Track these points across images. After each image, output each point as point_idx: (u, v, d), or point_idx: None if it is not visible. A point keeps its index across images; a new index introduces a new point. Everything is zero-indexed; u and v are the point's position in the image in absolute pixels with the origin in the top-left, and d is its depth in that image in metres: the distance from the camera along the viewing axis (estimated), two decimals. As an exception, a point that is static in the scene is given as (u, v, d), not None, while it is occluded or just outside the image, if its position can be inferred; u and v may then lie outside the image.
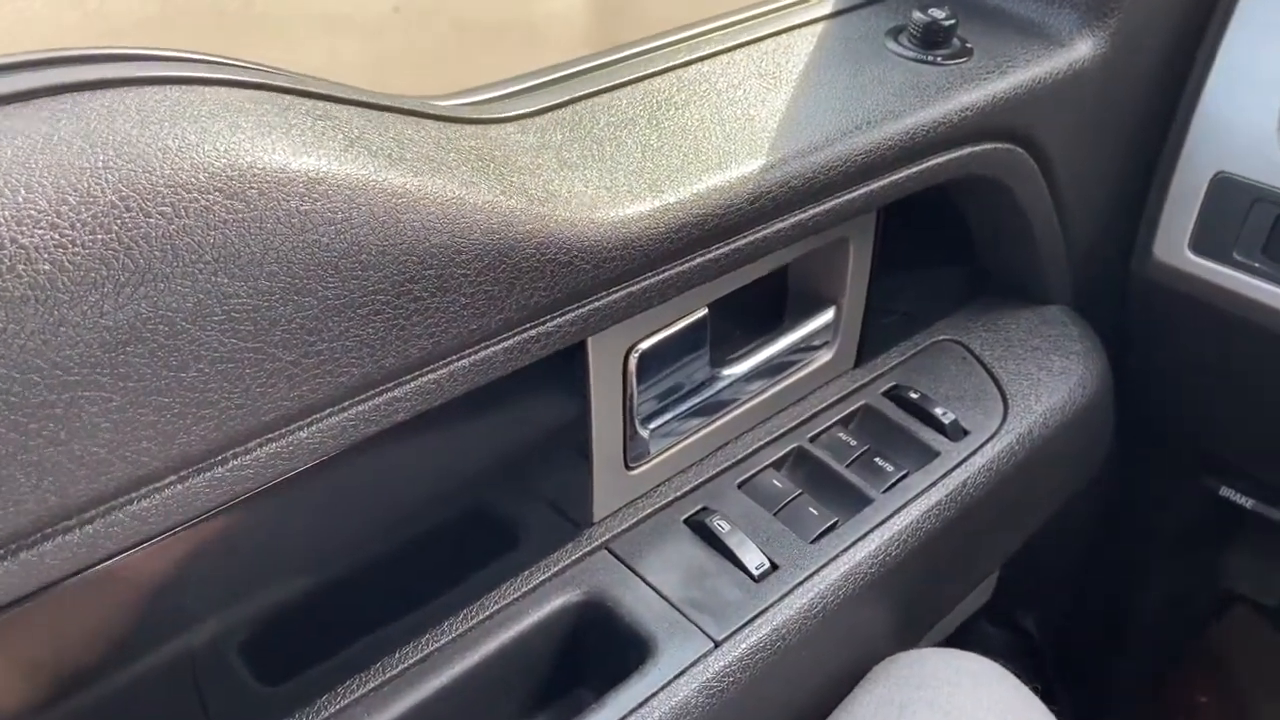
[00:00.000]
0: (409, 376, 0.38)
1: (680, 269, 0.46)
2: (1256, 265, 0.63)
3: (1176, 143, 0.64)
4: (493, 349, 0.41)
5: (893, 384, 0.64)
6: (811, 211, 0.51)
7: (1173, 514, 0.89)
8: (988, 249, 0.68)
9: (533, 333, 0.42)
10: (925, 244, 0.70)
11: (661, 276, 0.45)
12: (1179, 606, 0.96)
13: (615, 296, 0.44)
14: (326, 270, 0.34)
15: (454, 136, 0.43)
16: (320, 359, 0.35)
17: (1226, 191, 0.63)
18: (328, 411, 0.36)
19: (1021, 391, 0.64)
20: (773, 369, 0.61)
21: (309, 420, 0.36)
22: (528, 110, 0.48)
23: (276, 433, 0.35)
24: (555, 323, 0.42)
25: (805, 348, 0.62)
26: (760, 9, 0.60)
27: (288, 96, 0.37)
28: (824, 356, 0.63)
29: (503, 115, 0.47)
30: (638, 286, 0.44)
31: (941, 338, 0.68)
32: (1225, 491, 0.81)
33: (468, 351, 0.40)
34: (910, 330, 0.68)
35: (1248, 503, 0.80)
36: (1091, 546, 0.92)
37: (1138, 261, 0.68)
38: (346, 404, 0.37)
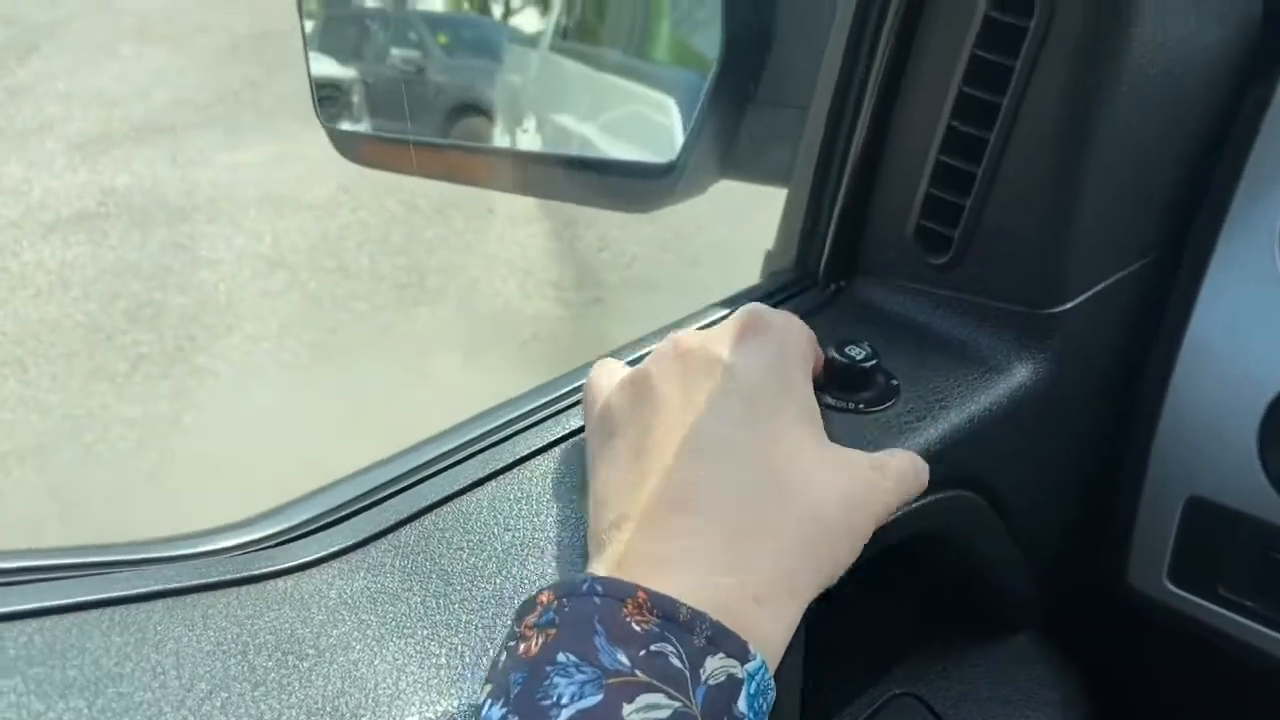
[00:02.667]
0: None
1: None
2: (1248, 605, 0.54)
3: (1140, 462, 0.57)
4: None
5: (841, 764, 0.54)
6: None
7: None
8: (943, 593, 0.60)
9: None
10: (869, 591, 0.61)
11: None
12: None
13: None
14: None
15: (249, 613, 0.34)
16: None
17: (1204, 518, 0.55)
18: None
19: (994, 762, 0.54)
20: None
21: None
22: (351, 541, 0.39)
23: None
24: None
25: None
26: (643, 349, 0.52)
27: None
28: (757, 740, 0.53)
29: (319, 554, 0.38)
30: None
31: (898, 691, 0.58)
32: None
33: None
34: (861, 684, 0.58)
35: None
36: None
37: (1113, 591, 0.59)
38: None
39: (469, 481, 0.42)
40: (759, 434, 0.38)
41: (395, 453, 0.44)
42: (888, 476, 0.42)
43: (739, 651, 0.32)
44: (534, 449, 0.45)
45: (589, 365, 0.51)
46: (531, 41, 0.83)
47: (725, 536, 0.35)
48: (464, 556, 0.39)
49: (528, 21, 0.83)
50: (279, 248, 3.87)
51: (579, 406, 0.48)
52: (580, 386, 0.49)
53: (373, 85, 0.83)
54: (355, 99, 0.83)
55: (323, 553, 0.38)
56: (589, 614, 0.31)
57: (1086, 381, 0.55)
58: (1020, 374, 0.53)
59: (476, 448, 0.45)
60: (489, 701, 0.30)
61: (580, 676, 0.29)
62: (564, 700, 0.29)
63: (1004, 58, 0.48)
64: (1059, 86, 0.48)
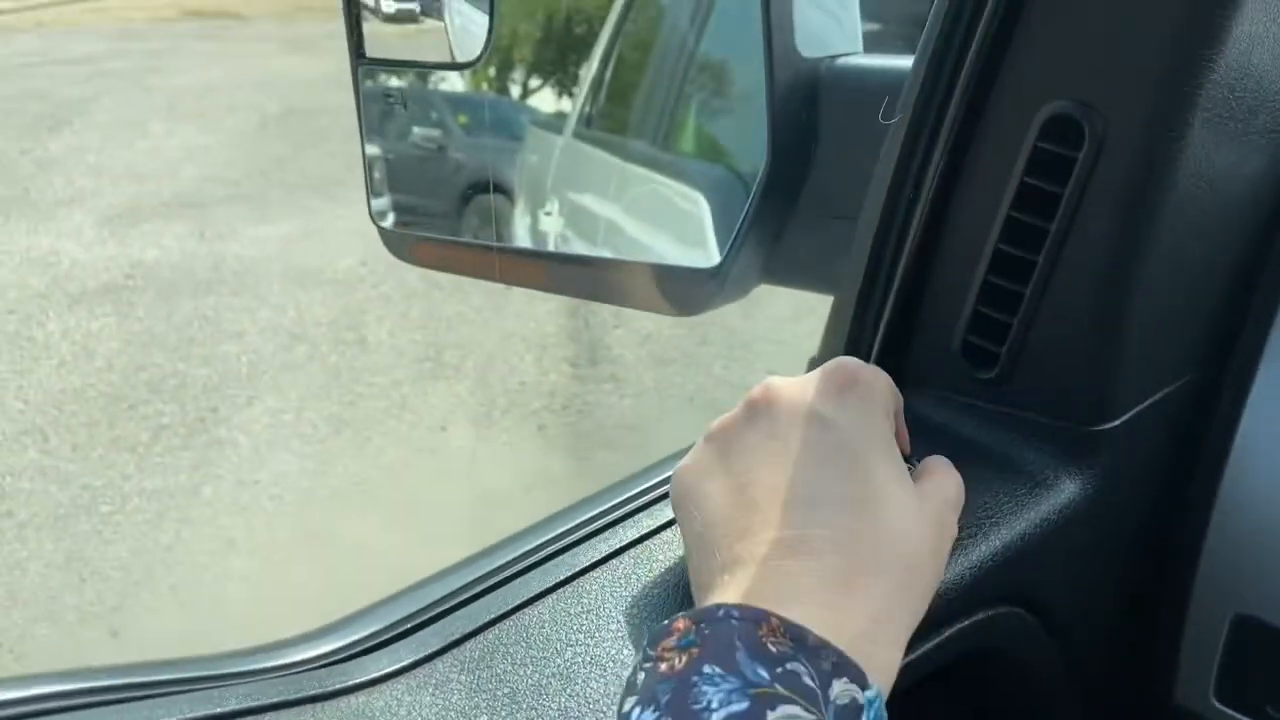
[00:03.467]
0: None
1: None
2: (1300, 728, 0.54)
3: (1187, 579, 0.57)
4: None
5: None
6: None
7: None
8: (991, 712, 0.59)
9: None
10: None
11: None
12: None
13: None
14: None
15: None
16: None
17: (1251, 636, 0.55)
18: None
19: None
20: None
21: None
22: (417, 657, 0.39)
23: None
24: None
25: None
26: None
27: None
28: None
29: (386, 670, 0.38)
30: None
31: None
32: None
33: None
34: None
35: None
36: None
37: (1159, 706, 0.59)
38: None
39: (530, 595, 0.43)
40: (859, 484, 0.41)
41: (455, 564, 0.45)
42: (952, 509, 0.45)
43: (859, 679, 0.35)
44: (592, 561, 0.45)
45: (634, 478, 0.52)
46: (551, 124, 0.85)
47: (835, 581, 0.38)
48: (528, 673, 0.39)
49: (545, 102, 0.85)
50: (301, 321, 3.92)
51: (632, 519, 0.48)
52: (631, 499, 0.50)
53: (393, 161, 0.85)
54: (376, 175, 0.86)
55: (390, 668, 0.38)
56: (729, 634, 0.34)
57: (1134, 498, 0.56)
58: (1069, 490, 0.53)
59: (535, 559, 0.46)
60: (638, 709, 0.32)
61: (726, 685, 0.32)
62: (714, 705, 0.31)
63: (1053, 185, 0.50)
64: (1107, 214, 0.49)
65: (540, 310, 3.94)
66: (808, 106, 0.65)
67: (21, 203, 5.24)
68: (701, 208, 0.74)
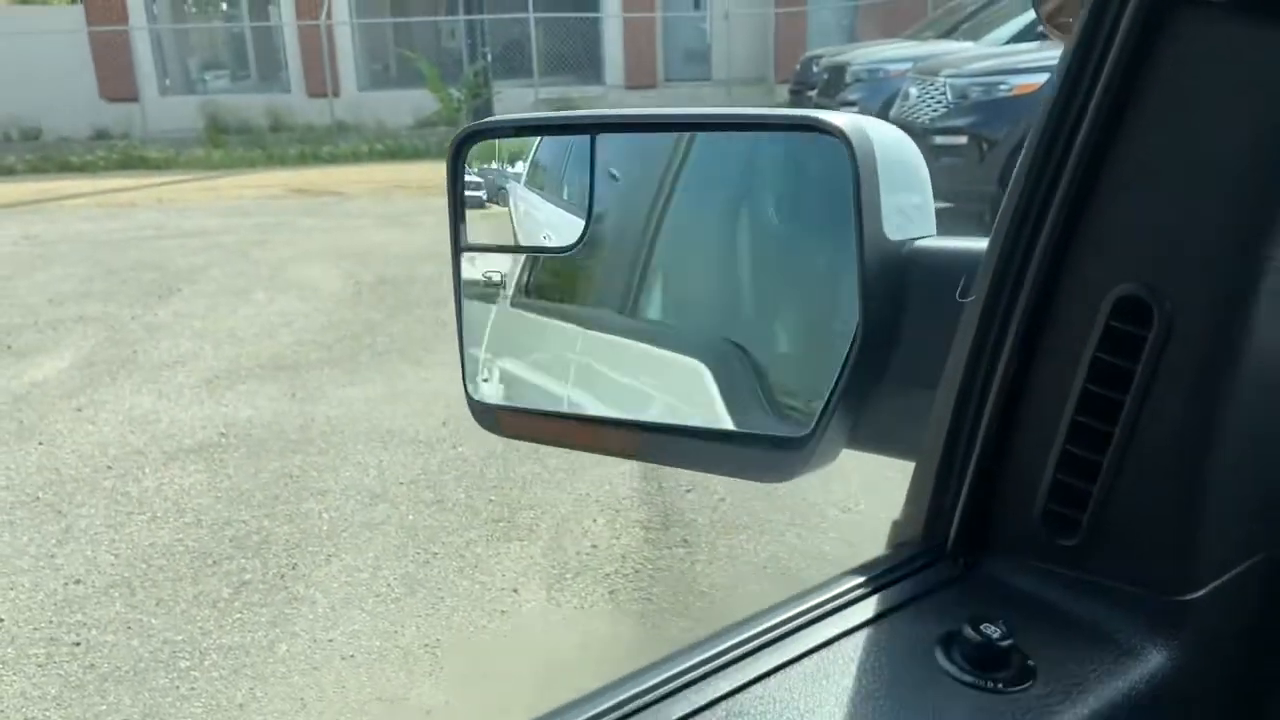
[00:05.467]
0: None
1: None
2: None
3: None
4: None
5: None
6: None
7: None
8: None
9: None
10: None
11: None
12: None
13: None
14: None
15: None
16: None
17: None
18: None
19: None
20: None
21: None
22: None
23: None
24: None
25: None
26: (786, 614, 0.55)
27: None
28: None
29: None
30: None
31: None
32: None
33: None
34: None
35: None
36: None
37: None
38: None
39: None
40: None
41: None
42: None
43: None
44: (683, 714, 0.47)
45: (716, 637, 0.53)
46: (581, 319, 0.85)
47: None
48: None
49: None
50: (383, 480, 4.01)
51: (719, 673, 0.50)
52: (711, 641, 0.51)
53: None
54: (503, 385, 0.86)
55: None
56: None
57: (1222, 672, 0.56)
58: (1155, 660, 0.53)
59: (621, 713, 0.47)
60: None
61: None
62: None
63: (1127, 361, 0.53)
64: (1179, 390, 0.52)
65: (613, 473, 3.98)
66: (895, 285, 0.70)
67: (129, 364, 5.54)
68: (704, 377, 0.76)
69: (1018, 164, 0.56)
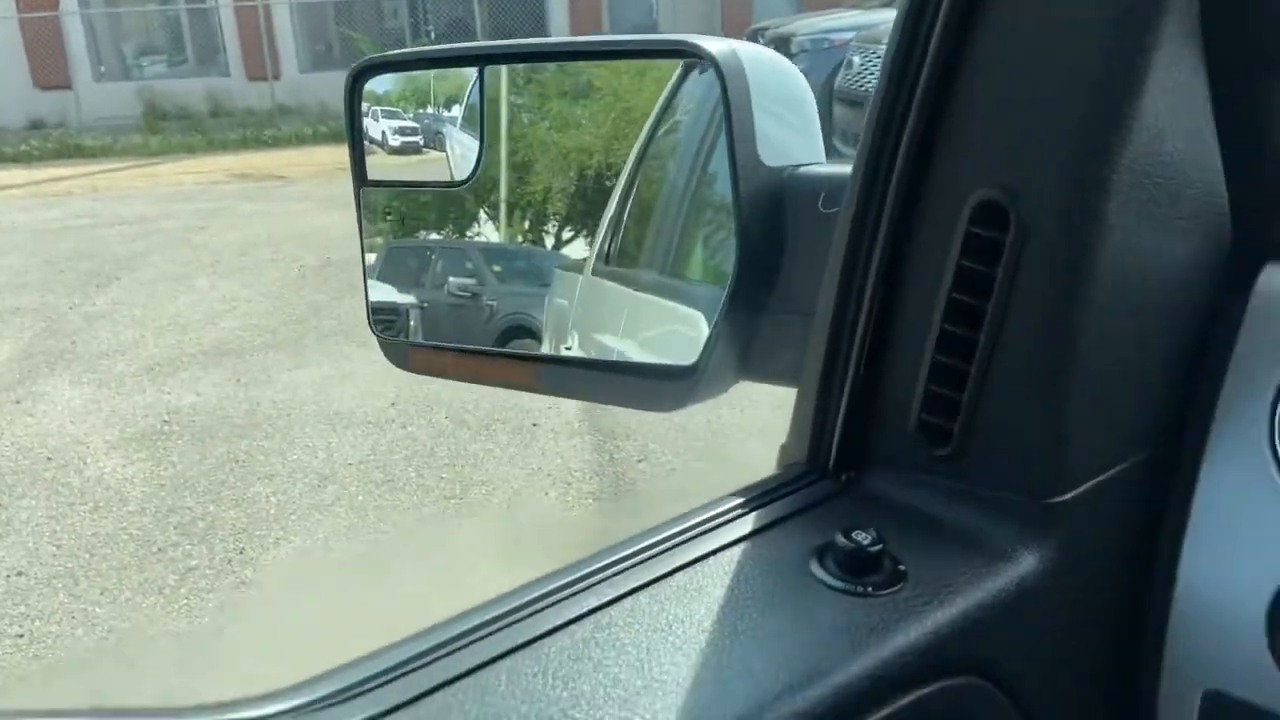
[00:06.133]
0: None
1: None
2: (1280, 806, 0.53)
3: (1155, 656, 0.57)
4: None
5: None
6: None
7: None
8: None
9: None
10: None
11: None
12: None
13: None
14: None
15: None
16: None
17: (1222, 712, 0.55)
18: None
19: None
20: None
21: None
22: (376, 711, 0.41)
23: None
24: None
25: None
26: (664, 534, 0.55)
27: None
28: None
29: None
30: None
31: None
32: None
33: None
34: None
35: None
36: None
37: (1141, 789, 0.58)
38: None
39: (488, 657, 0.45)
40: None
41: (417, 631, 0.47)
42: None
43: None
44: (552, 626, 0.47)
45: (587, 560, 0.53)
46: (579, 267, 0.90)
47: None
48: (481, 728, 0.41)
49: (578, 250, 0.91)
50: (331, 462, 3.97)
51: (594, 589, 0.50)
52: (589, 574, 0.52)
53: (428, 309, 0.90)
54: (412, 322, 0.90)
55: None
56: None
57: (1094, 572, 0.57)
58: (1027, 563, 0.54)
59: (494, 628, 0.47)
60: None
61: None
62: None
63: (987, 267, 0.53)
64: (1039, 294, 0.52)
65: (565, 446, 3.98)
66: (772, 212, 0.70)
67: (68, 355, 5.42)
68: (700, 326, 0.78)
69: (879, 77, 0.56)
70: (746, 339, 0.73)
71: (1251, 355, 0.58)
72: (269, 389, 4.77)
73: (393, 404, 4.45)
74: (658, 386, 0.72)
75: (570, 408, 4.26)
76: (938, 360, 0.56)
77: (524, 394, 0.74)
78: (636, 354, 0.76)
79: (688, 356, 0.73)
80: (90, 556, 3.37)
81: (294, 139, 14.02)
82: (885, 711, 0.48)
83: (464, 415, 4.27)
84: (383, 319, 0.85)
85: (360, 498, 3.69)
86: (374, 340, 0.85)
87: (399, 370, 0.86)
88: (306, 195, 9.88)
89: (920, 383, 0.57)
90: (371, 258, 0.91)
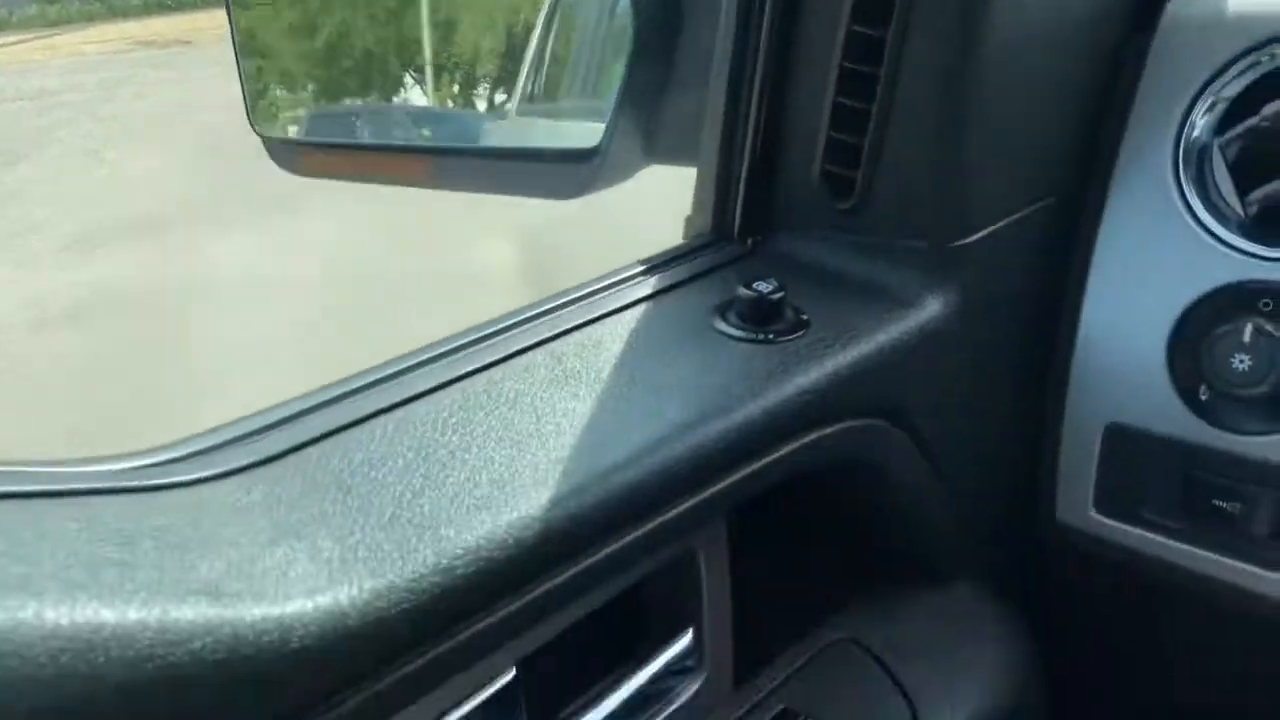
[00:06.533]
0: None
1: (447, 646, 0.36)
2: (1170, 525, 0.54)
3: (1059, 393, 0.57)
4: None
5: (780, 708, 0.53)
6: (631, 536, 0.42)
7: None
8: (873, 531, 0.60)
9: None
10: (802, 532, 0.61)
11: (417, 664, 0.35)
12: None
13: (349, 706, 0.34)
14: None
15: (137, 514, 0.34)
16: None
17: (1122, 444, 0.56)
18: None
19: (932, 698, 0.54)
20: (629, 710, 0.50)
21: None
22: (255, 459, 0.39)
23: None
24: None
25: (668, 678, 0.52)
26: (567, 297, 0.53)
27: None
28: (692, 685, 0.53)
29: (220, 470, 0.38)
30: (383, 685, 0.34)
31: (835, 637, 0.58)
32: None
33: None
34: (798, 630, 0.58)
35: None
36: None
37: (1042, 525, 0.59)
38: None
39: (377, 407, 0.43)
40: None
41: (305, 392, 0.45)
42: None
43: None
44: (445, 380, 0.46)
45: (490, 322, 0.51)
46: (507, 115, 0.87)
47: None
48: (365, 470, 0.40)
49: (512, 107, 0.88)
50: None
51: (477, 350, 0.49)
52: (483, 339, 0.50)
53: (317, 111, 0.86)
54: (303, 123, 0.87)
55: (222, 469, 0.38)
56: None
57: (997, 314, 0.57)
58: (930, 306, 0.54)
59: (388, 384, 0.46)
60: None
61: None
62: None
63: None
64: (936, 25, 0.50)
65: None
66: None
67: (-23, 236, 5.19)
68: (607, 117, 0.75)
69: None
70: (648, 119, 0.70)
71: (1154, 94, 0.57)
72: (195, 258, 4.63)
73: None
74: (560, 170, 0.70)
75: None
76: (839, 103, 0.54)
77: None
78: (538, 141, 0.73)
79: (590, 140, 0.71)
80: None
81: (200, 1, 13.25)
82: (786, 449, 0.47)
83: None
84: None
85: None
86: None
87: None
88: (215, 60, 9.37)
89: (822, 131, 0.55)
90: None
